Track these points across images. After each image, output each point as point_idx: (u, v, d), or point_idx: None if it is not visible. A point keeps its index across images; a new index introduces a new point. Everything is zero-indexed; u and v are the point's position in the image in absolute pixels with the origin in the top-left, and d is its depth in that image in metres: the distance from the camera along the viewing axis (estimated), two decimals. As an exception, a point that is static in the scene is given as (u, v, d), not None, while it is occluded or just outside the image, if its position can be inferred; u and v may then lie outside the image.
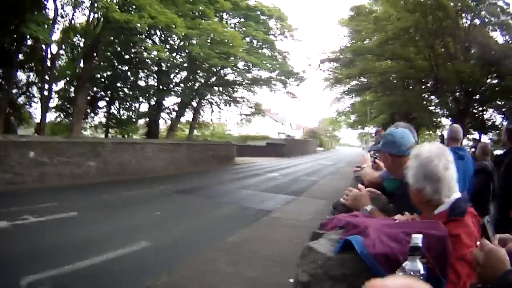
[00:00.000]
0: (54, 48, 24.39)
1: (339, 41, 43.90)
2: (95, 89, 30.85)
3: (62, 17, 24.85)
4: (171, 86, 32.52)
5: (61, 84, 30.92)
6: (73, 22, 25.86)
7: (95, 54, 24.32)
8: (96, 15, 24.54)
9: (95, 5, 22.93)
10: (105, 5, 20.54)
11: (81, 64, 25.16)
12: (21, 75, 27.87)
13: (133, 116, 34.34)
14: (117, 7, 20.88)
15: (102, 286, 6.26)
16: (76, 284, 6.18)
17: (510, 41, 25.49)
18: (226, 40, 28.14)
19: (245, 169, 28.71)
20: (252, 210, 12.88)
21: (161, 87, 31.46)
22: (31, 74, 28.09)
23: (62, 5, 24.26)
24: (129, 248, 8.05)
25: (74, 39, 27.94)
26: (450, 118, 29.35)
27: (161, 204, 13.30)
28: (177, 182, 18.98)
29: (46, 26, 19.10)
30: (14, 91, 26.87)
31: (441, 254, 1.91)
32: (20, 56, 24.09)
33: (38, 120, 26.88)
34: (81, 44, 26.55)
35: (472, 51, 26.95)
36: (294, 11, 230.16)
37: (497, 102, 29.27)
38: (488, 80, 27.44)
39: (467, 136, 37.63)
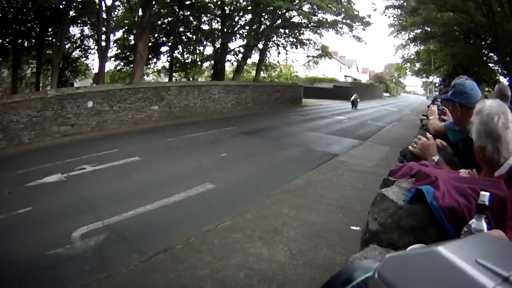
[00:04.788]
0: (108, 0, 24.41)
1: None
2: (156, 35, 31.03)
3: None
4: (236, 29, 32.04)
5: (119, 34, 31.77)
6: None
7: (153, 2, 24.05)
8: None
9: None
10: None
11: (140, 12, 25.05)
12: (74, 30, 29.22)
13: (197, 59, 34.35)
14: None
15: (162, 231, 6.25)
16: (135, 231, 6.21)
17: None
18: (290, -17, 27.05)
19: (312, 111, 28.34)
20: (318, 153, 12.62)
21: (225, 30, 31.12)
22: (85, 27, 29.32)
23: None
24: (193, 190, 8.09)
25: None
26: (508, 78, 28.09)
27: (227, 146, 13.27)
28: (243, 124, 18.87)
29: None
30: (68, 46, 28.03)
31: (501, 216, 1.81)
32: (71, 13, 24.75)
33: (96, 71, 27.53)
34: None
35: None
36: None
37: None
38: None
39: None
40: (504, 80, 29.05)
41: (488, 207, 1.58)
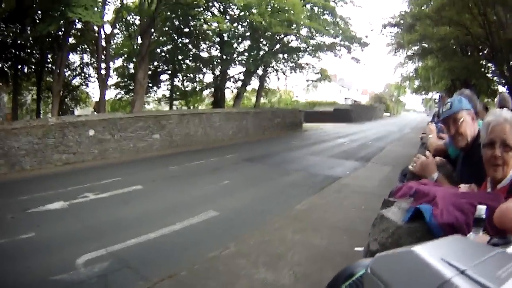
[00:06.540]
0: (107, 28, 24.65)
1: (399, 5, 43.72)
2: (155, 63, 31.60)
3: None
4: (235, 55, 32.24)
5: (119, 62, 32.47)
6: (124, 1, 26.62)
7: (152, 30, 24.30)
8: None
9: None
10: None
11: (139, 41, 25.30)
12: (74, 58, 29.74)
13: (197, 87, 34.82)
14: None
15: (166, 258, 6.23)
16: (138, 258, 6.18)
17: None
18: (286, 8, 27.35)
19: (313, 135, 28.52)
20: (320, 177, 12.58)
21: (224, 57, 31.32)
22: (84, 55, 29.71)
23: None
24: (196, 218, 8.09)
25: (128, 18, 28.97)
26: (506, 87, 28.14)
27: (229, 173, 13.24)
28: (245, 150, 18.93)
29: (96, 9, 18.90)
30: (68, 73, 28.44)
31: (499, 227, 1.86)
32: (71, 40, 25.24)
33: (96, 99, 27.81)
34: (137, 22, 27.17)
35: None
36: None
37: None
38: None
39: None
40: (503, 89, 29.36)
41: (486, 220, 1.69)
